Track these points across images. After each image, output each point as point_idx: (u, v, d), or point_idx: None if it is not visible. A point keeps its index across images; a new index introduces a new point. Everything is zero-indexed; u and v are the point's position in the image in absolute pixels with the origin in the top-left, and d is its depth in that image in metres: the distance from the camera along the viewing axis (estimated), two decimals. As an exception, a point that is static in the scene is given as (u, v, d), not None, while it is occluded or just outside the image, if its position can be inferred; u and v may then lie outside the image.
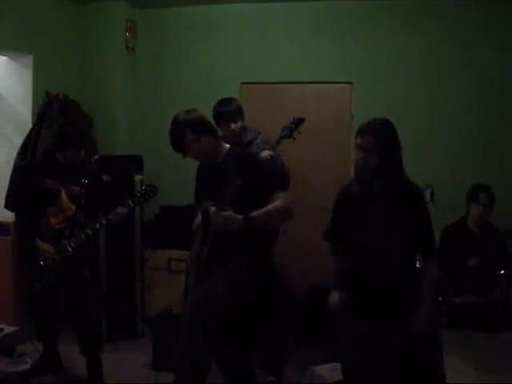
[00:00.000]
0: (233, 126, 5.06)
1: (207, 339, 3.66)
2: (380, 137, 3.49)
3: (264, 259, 3.98)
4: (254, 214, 3.69)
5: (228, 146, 4.08)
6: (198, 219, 4.21)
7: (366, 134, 3.52)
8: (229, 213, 3.65)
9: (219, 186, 3.80)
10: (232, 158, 3.93)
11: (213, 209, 3.70)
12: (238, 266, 3.80)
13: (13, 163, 5.82)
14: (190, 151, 3.93)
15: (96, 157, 5.84)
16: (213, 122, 4.52)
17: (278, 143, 4.87)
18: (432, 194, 5.62)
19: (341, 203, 3.78)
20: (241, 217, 3.65)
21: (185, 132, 3.89)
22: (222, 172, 3.87)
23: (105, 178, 5.30)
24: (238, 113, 5.14)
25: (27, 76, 6.18)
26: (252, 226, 3.67)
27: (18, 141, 5.95)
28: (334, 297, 3.72)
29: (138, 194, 4.60)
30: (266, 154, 4.73)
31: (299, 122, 4.91)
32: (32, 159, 5.72)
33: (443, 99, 6.44)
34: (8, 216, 5.72)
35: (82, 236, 4.49)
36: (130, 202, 4.53)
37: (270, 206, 3.75)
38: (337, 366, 3.97)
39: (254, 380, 4.22)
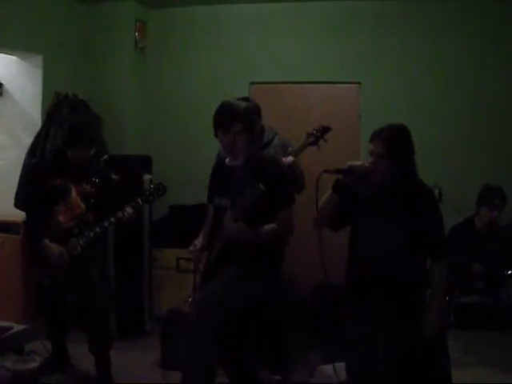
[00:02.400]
0: None
1: (213, 339, 3.68)
2: (390, 144, 3.48)
3: (273, 262, 4.02)
4: (263, 229, 3.80)
5: (252, 149, 4.07)
6: (199, 241, 4.20)
7: (377, 141, 3.52)
8: (241, 225, 3.76)
9: (234, 188, 3.85)
10: (253, 163, 3.93)
11: (227, 217, 3.79)
12: (247, 268, 3.83)
13: (22, 163, 5.86)
14: (226, 136, 3.89)
15: (105, 156, 5.87)
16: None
17: (303, 149, 4.82)
18: (440, 193, 5.62)
19: (350, 187, 3.74)
20: (251, 230, 3.76)
21: (237, 119, 3.85)
22: (241, 175, 3.90)
23: (114, 177, 5.32)
24: (255, 113, 5.00)
25: (37, 76, 6.22)
26: (259, 239, 3.78)
27: (28, 140, 5.99)
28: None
29: (147, 193, 4.62)
30: (289, 159, 4.67)
31: (325, 130, 4.81)
32: (41, 158, 5.75)
33: (451, 99, 6.45)
34: (17, 215, 5.74)
35: (91, 234, 4.52)
36: (139, 200, 4.55)
37: (277, 224, 3.83)
38: (344, 365, 3.98)
39: (259, 380, 4.23)
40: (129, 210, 4.50)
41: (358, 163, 3.59)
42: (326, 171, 3.62)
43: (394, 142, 3.51)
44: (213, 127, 3.96)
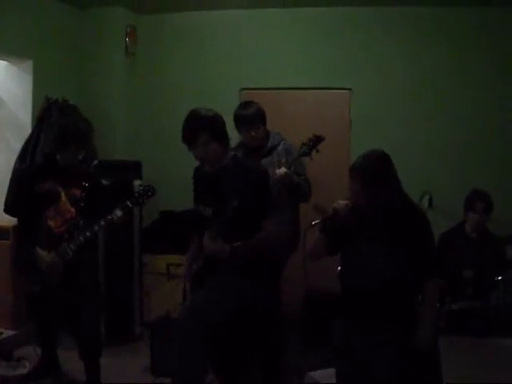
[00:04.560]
0: (252, 132, 4.93)
1: (202, 346, 3.67)
2: (367, 182, 3.48)
3: (264, 270, 3.98)
4: (241, 244, 3.77)
5: (231, 154, 4.04)
6: (189, 254, 4.21)
7: (354, 178, 3.53)
8: (220, 243, 3.74)
9: (216, 195, 3.83)
10: (232, 170, 3.91)
11: (206, 236, 3.79)
12: (233, 276, 3.83)
13: (12, 168, 5.85)
14: (196, 149, 3.88)
15: (95, 162, 5.86)
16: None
17: (296, 161, 4.82)
18: (430, 200, 5.64)
19: (337, 225, 3.72)
20: (228, 247, 3.74)
21: (199, 131, 3.81)
22: (219, 183, 3.88)
23: (104, 182, 5.31)
24: (258, 118, 4.99)
25: (27, 81, 6.20)
26: (238, 256, 3.76)
27: (18, 145, 5.97)
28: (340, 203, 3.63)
29: (136, 195, 4.60)
30: (281, 171, 4.68)
31: (318, 140, 4.80)
32: (31, 163, 5.73)
33: (442, 105, 6.48)
34: (7, 220, 5.72)
35: (82, 239, 4.50)
36: (128, 202, 4.53)
37: (258, 237, 3.81)
38: (332, 371, 3.98)
39: None
40: (118, 212, 4.49)
41: (342, 204, 3.59)
42: (313, 225, 3.68)
43: (370, 178, 3.49)
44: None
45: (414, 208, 3.66)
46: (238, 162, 4.07)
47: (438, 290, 3.65)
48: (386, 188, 3.52)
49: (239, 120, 4.95)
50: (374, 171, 3.51)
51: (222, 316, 3.74)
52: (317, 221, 3.69)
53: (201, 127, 3.82)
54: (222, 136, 3.92)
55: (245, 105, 5.04)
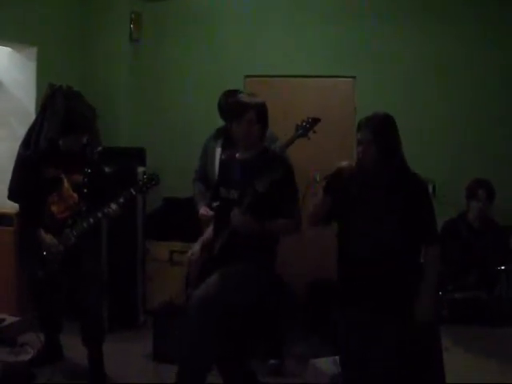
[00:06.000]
0: None
1: (214, 334, 3.71)
2: (378, 132, 3.56)
3: (271, 260, 4.06)
4: (271, 223, 3.84)
5: (264, 145, 4.15)
6: (204, 209, 4.24)
7: (365, 129, 3.60)
8: (248, 217, 3.79)
9: (245, 181, 3.88)
10: (266, 157, 4.01)
11: (235, 210, 3.82)
12: (248, 264, 3.85)
13: (16, 154, 5.84)
14: (239, 125, 3.97)
15: (99, 148, 5.86)
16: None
17: (292, 142, 4.84)
18: (434, 188, 5.63)
19: (340, 186, 3.77)
20: (258, 223, 3.79)
21: (250, 109, 3.95)
22: (252, 168, 3.92)
23: (108, 169, 5.32)
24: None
25: (31, 68, 6.21)
26: (267, 233, 3.84)
27: (22, 132, 5.96)
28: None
29: (140, 183, 4.62)
30: None
31: (314, 121, 4.84)
32: (35, 150, 5.73)
33: (445, 94, 6.44)
34: (10, 207, 5.73)
35: (85, 225, 4.52)
36: (132, 190, 4.55)
37: (284, 220, 3.87)
38: (337, 358, 3.98)
39: (255, 379, 4.23)
40: (113, 205, 4.50)
41: (344, 164, 3.66)
42: (317, 182, 3.71)
43: (381, 128, 3.59)
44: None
45: (414, 175, 3.68)
46: (271, 150, 4.24)
47: (439, 258, 3.66)
48: (394, 142, 3.61)
49: (225, 109, 4.98)
50: (386, 122, 3.64)
51: (238, 306, 3.81)
52: (316, 176, 3.73)
53: (251, 106, 3.97)
54: (264, 124, 4.04)
55: (230, 94, 5.06)
